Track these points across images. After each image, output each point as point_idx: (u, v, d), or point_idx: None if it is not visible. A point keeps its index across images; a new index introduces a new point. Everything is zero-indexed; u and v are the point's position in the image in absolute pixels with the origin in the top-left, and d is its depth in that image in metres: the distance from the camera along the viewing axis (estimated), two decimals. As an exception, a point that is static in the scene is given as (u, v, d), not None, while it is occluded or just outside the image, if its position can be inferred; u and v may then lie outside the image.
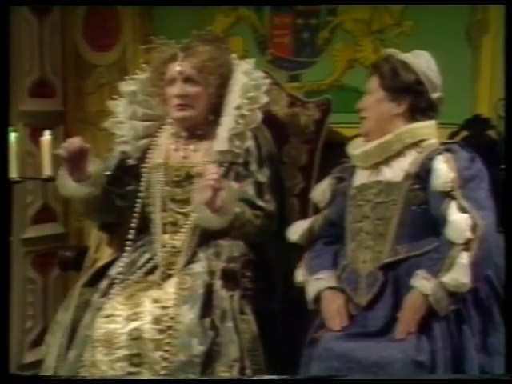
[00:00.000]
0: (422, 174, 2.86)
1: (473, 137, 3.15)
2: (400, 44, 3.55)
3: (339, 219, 3.05)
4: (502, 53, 3.05)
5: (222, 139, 3.19)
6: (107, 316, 2.96)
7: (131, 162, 3.29)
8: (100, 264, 3.27)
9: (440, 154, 2.86)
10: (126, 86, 3.37)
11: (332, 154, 3.50)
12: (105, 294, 3.11)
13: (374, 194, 2.94)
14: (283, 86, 3.65)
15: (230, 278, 3.03)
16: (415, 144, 2.93)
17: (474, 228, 2.72)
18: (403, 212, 2.87)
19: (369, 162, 2.97)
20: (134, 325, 2.93)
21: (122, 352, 2.89)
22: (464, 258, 2.70)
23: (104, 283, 3.16)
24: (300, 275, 3.05)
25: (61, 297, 3.99)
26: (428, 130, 2.96)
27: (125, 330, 2.92)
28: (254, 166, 3.22)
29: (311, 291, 2.98)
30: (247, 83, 3.23)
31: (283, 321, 3.15)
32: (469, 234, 2.72)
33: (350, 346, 2.74)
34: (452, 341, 2.72)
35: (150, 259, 3.20)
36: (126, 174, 3.29)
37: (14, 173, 3.63)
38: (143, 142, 3.30)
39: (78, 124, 4.33)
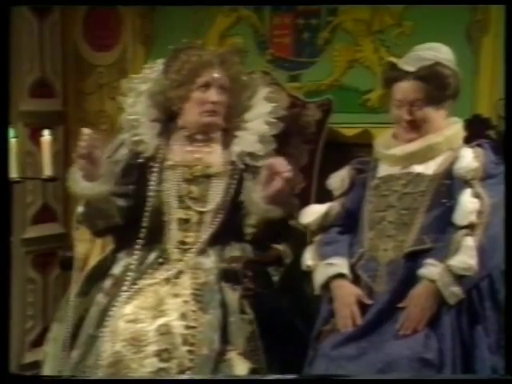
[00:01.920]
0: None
1: (473, 137, 3.15)
2: (400, 44, 3.56)
3: (355, 209, 3.06)
4: (502, 53, 3.05)
5: (251, 141, 3.30)
6: (131, 321, 2.96)
7: (140, 161, 3.29)
8: (88, 269, 3.28)
9: (472, 147, 2.94)
10: (141, 85, 3.36)
11: (332, 154, 3.51)
12: (109, 293, 3.11)
13: (403, 184, 2.95)
14: (284, 86, 3.65)
15: (231, 278, 3.05)
16: None
17: (480, 213, 2.76)
18: (431, 204, 2.89)
19: (410, 163, 2.97)
20: (161, 321, 2.95)
21: (152, 348, 2.90)
22: (469, 241, 2.73)
23: (108, 283, 3.17)
24: (309, 259, 3.03)
25: (61, 297, 3.99)
26: (462, 129, 3.04)
27: (152, 327, 2.93)
28: None
29: (320, 276, 2.96)
30: (271, 94, 3.38)
31: (285, 320, 3.15)
32: (473, 218, 2.75)
33: (358, 346, 2.75)
34: (462, 340, 2.72)
35: (159, 257, 3.21)
36: (131, 173, 3.29)
37: (14, 173, 3.63)
38: (157, 141, 3.30)
39: (78, 124, 4.32)
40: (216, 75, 3.24)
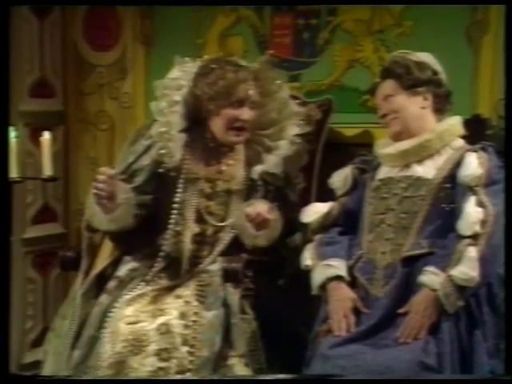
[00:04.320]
0: (455, 173, 2.90)
1: (473, 137, 3.15)
2: (400, 44, 3.56)
3: (356, 209, 3.06)
4: (502, 53, 3.05)
5: (275, 162, 3.24)
6: (132, 322, 2.97)
7: (161, 170, 3.24)
8: (97, 271, 3.27)
9: (476, 151, 2.92)
10: (175, 93, 3.26)
11: (333, 154, 3.51)
12: (112, 294, 3.11)
13: (403, 188, 2.96)
14: (284, 86, 3.65)
15: (231, 278, 3.05)
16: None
17: (484, 223, 2.75)
18: (431, 208, 2.90)
19: (405, 161, 2.98)
20: (161, 320, 2.95)
21: (152, 347, 2.90)
22: (472, 252, 2.72)
23: (112, 284, 3.17)
24: (308, 258, 3.03)
25: (61, 297, 4.00)
26: (460, 126, 3.04)
27: (152, 326, 2.93)
28: (289, 191, 3.30)
29: (318, 277, 2.96)
30: (298, 108, 3.34)
31: (285, 320, 3.15)
32: (477, 228, 2.74)
33: (356, 347, 2.74)
34: (461, 344, 2.72)
35: (168, 267, 3.20)
36: (151, 182, 3.26)
37: (14, 173, 3.63)
38: (181, 152, 3.24)
39: (78, 124, 4.33)
40: (250, 92, 3.18)
